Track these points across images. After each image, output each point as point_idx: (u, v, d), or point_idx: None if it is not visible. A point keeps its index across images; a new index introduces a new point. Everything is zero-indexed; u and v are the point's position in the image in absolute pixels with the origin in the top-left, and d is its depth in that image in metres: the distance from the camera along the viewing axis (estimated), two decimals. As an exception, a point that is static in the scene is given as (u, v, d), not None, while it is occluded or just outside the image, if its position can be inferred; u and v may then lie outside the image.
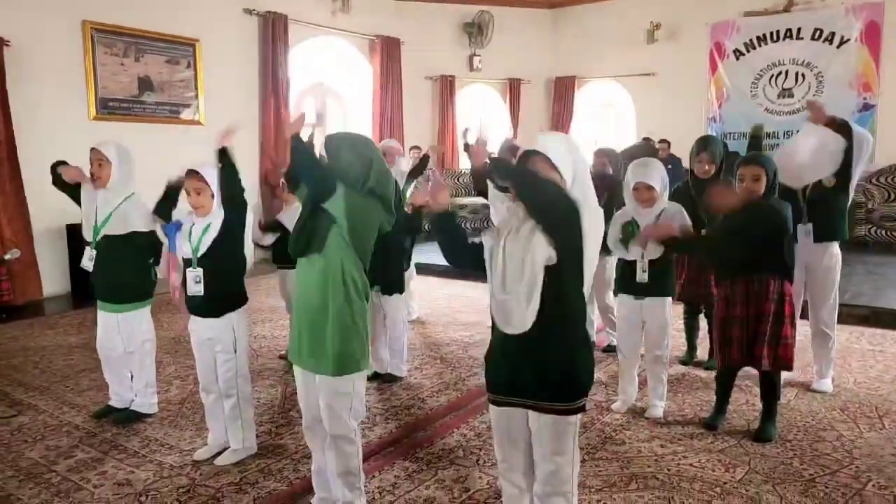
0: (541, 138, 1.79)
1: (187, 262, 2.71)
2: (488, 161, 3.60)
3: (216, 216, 2.69)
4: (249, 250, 2.91)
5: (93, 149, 3.11)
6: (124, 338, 3.18)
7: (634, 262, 3.11)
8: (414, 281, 5.12)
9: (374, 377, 3.76)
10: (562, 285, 1.71)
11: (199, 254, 2.67)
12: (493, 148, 4.84)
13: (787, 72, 8.94)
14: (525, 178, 1.75)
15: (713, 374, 3.38)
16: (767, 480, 2.56)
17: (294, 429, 3.10)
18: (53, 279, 6.14)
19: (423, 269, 6.21)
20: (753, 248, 2.83)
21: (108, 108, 6.46)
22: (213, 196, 2.67)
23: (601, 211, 1.80)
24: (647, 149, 8.81)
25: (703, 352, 4.06)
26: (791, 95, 8.94)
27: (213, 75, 7.23)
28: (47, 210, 5.81)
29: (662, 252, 3.04)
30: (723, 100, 9.19)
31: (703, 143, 3.79)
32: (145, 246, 3.18)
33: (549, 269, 1.69)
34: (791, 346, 2.89)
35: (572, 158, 1.74)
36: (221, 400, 2.82)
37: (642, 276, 3.07)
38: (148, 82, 6.77)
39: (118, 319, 3.16)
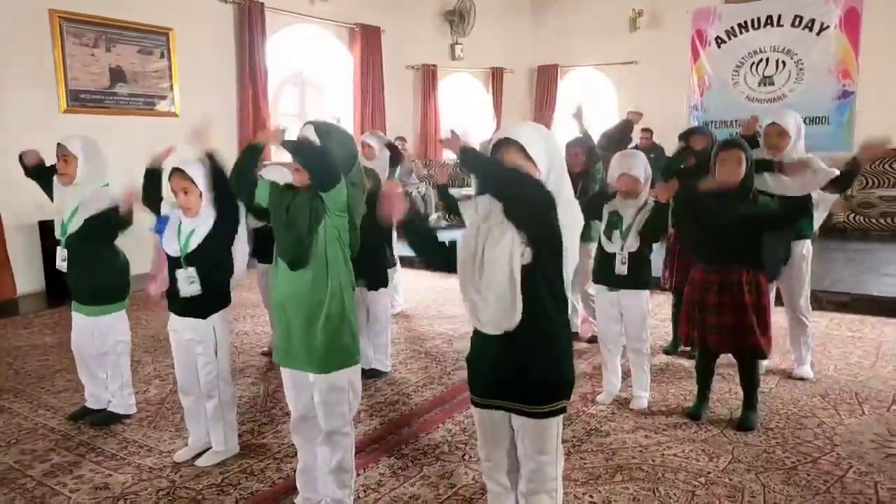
0: (514, 127, 1.69)
1: (175, 261, 2.62)
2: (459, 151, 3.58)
3: (206, 215, 2.60)
4: (243, 253, 2.83)
5: (58, 144, 3.02)
6: (97, 339, 3.11)
7: (614, 253, 3.09)
8: (398, 274, 5.07)
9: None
10: (540, 284, 1.65)
11: (188, 251, 2.58)
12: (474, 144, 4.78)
13: (767, 59, 8.97)
14: (495, 169, 1.67)
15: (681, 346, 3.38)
16: (750, 469, 2.57)
17: (277, 427, 3.06)
18: (27, 277, 6.01)
19: (408, 262, 6.15)
20: (742, 239, 2.83)
21: (80, 101, 6.31)
22: (201, 195, 2.57)
23: (576, 203, 1.72)
24: (624, 127, 8.84)
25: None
26: (772, 83, 8.98)
27: (189, 65, 7.08)
28: (19, 206, 5.68)
29: (641, 245, 3.04)
30: (705, 88, 9.21)
31: (686, 134, 3.79)
32: (99, 226, 3.00)
33: (526, 268, 1.63)
34: (768, 334, 2.90)
35: (547, 147, 1.66)
36: (201, 401, 2.76)
37: (621, 268, 3.06)
38: (120, 73, 6.61)
39: (91, 321, 3.09)
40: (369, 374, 3.71)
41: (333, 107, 9.11)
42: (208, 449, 2.78)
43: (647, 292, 3.15)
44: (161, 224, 2.67)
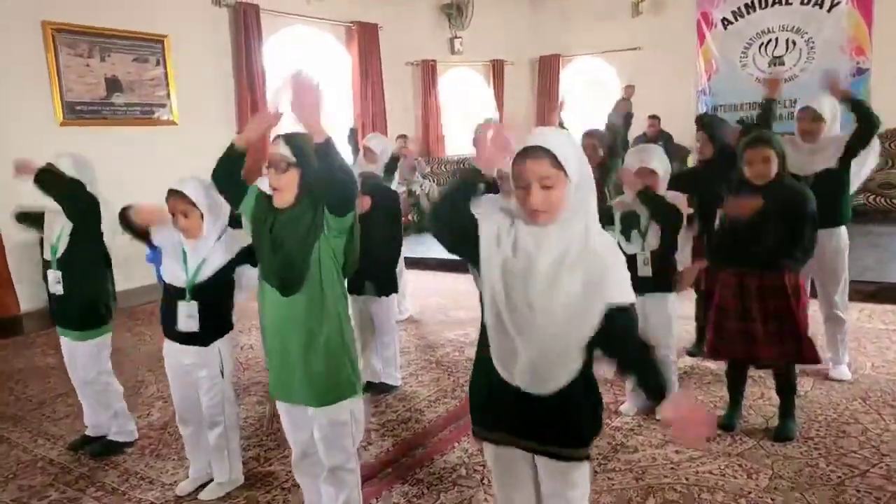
0: (542, 133, 1.50)
1: (178, 292, 2.42)
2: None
3: (210, 238, 2.41)
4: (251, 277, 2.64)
5: (48, 164, 2.86)
6: (80, 369, 2.97)
7: (634, 255, 2.90)
8: (404, 276, 4.91)
9: (367, 388, 3.56)
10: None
11: (196, 282, 2.39)
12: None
13: (776, 39, 8.72)
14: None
15: (725, 365, 3.20)
16: (794, 487, 2.39)
17: (284, 452, 2.90)
18: (30, 294, 5.87)
19: (414, 264, 6.00)
20: (776, 237, 2.63)
21: (76, 113, 6.16)
22: (202, 216, 2.38)
23: (597, 224, 1.53)
24: (624, 107, 8.63)
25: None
26: (782, 63, 8.72)
27: (185, 72, 6.92)
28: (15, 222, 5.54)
29: (663, 241, 2.85)
30: (712, 72, 8.97)
31: (700, 124, 3.59)
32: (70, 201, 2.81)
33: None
34: (802, 339, 2.72)
35: (577, 156, 1.48)
36: (202, 430, 2.61)
37: (644, 269, 2.86)
38: (116, 83, 6.46)
39: (75, 346, 2.95)
40: (379, 389, 3.55)
41: (333, 107, 8.94)
42: (211, 480, 2.63)
43: (673, 295, 2.96)
44: (156, 253, 2.50)
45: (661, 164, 2.82)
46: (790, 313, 2.65)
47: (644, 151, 2.88)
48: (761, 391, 3.21)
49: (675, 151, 8.36)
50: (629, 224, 2.90)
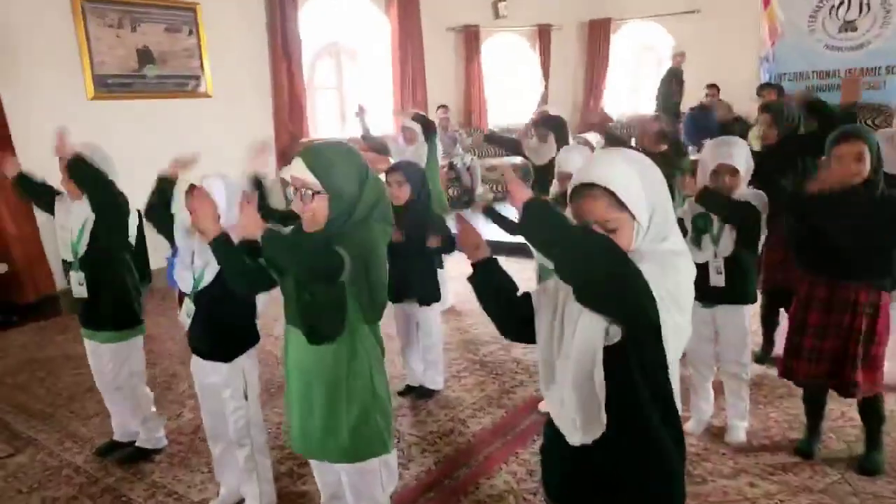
0: (597, 163, 1.21)
1: (187, 296, 2.25)
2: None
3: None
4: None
5: (60, 157, 2.65)
6: (109, 371, 2.81)
7: (705, 262, 2.56)
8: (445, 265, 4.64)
9: (407, 391, 3.35)
10: (635, 372, 1.22)
11: (199, 287, 2.20)
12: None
13: (849, 1, 8.03)
14: (558, 238, 1.18)
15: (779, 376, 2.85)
16: (891, 538, 2.09)
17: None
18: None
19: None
20: (865, 248, 2.28)
21: (107, 86, 5.98)
22: (219, 218, 2.16)
23: (685, 251, 1.25)
24: (674, 74, 8.10)
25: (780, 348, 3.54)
26: (854, 29, 8.05)
27: (218, 42, 6.67)
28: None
29: (737, 247, 2.51)
30: (777, 37, 8.29)
31: (764, 105, 3.21)
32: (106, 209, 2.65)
33: (613, 350, 1.20)
34: (881, 367, 2.39)
35: (644, 185, 1.18)
36: (232, 448, 2.42)
37: (717, 278, 2.52)
38: (148, 54, 6.25)
39: (104, 348, 2.78)
40: (419, 394, 3.33)
41: (371, 77, 8.61)
42: (242, 501, 2.46)
43: (748, 307, 2.64)
44: (171, 260, 2.29)
45: (745, 161, 2.46)
46: (849, 331, 2.33)
47: (726, 145, 2.51)
48: (841, 410, 2.88)
49: (734, 126, 7.85)
50: (700, 229, 2.56)
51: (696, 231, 2.58)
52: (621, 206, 1.16)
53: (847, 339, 2.35)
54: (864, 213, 2.24)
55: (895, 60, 7.83)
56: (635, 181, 1.18)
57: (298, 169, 1.61)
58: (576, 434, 1.27)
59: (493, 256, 1.48)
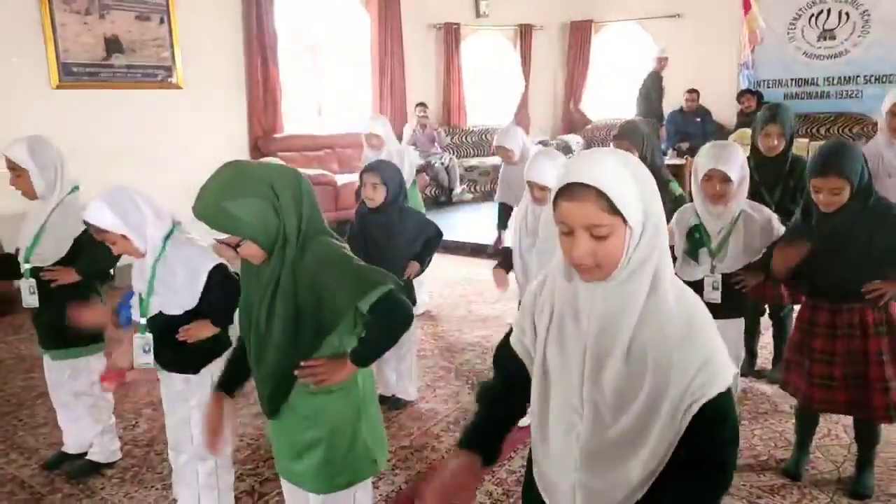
0: (587, 162, 1.05)
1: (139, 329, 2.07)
2: None
3: (154, 253, 1.99)
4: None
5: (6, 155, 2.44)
6: (69, 380, 2.61)
7: (700, 280, 2.44)
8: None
9: (379, 401, 3.19)
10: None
11: (151, 311, 2.02)
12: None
13: (829, 10, 8.07)
14: None
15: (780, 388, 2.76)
16: (884, 569, 2.00)
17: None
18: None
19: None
20: (853, 267, 2.18)
21: (73, 75, 5.72)
22: (124, 237, 1.96)
23: (673, 278, 1.12)
24: (650, 77, 8.04)
25: (764, 360, 3.47)
26: (833, 37, 8.09)
27: (191, 32, 6.43)
28: (11, 195, 5.17)
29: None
30: (756, 43, 8.29)
31: (772, 114, 3.02)
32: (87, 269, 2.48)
33: None
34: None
35: (642, 190, 1.05)
36: (194, 462, 2.25)
37: (713, 294, 2.39)
38: (116, 43, 6.00)
39: (63, 366, 2.59)
40: (392, 405, 3.18)
41: (349, 72, 8.43)
42: (199, 521, 2.29)
43: (741, 321, 2.53)
44: (125, 300, 2.12)
45: (739, 168, 2.33)
46: (864, 355, 2.22)
47: (720, 149, 2.36)
48: (828, 428, 2.80)
49: (713, 130, 7.81)
50: (696, 242, 2.44)
51: (691, 245, 2.46)
52: (613, 210, 1.02)
53: (865, 364, 2.21)
54: (857, 229, 2.14)
55: (873, 70, 7.87)
56: (629, 183, 1.04)
57: (206, 229, 1.42)
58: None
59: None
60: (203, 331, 2.01)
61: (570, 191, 1.04)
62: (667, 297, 1.07)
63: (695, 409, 1.05)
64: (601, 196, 1.02)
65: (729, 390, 1.08)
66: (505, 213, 3.98)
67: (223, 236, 1.43)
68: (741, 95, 7.58)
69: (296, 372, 1.52)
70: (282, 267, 1.46)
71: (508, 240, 3.23)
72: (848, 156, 2.13)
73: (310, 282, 1.46)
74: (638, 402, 1.06)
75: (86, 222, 1.94)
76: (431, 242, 3.12)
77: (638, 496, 1.10)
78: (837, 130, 7.92)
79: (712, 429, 1.07)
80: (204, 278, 1.97)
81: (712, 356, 1.07)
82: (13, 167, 2.39)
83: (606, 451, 1.09)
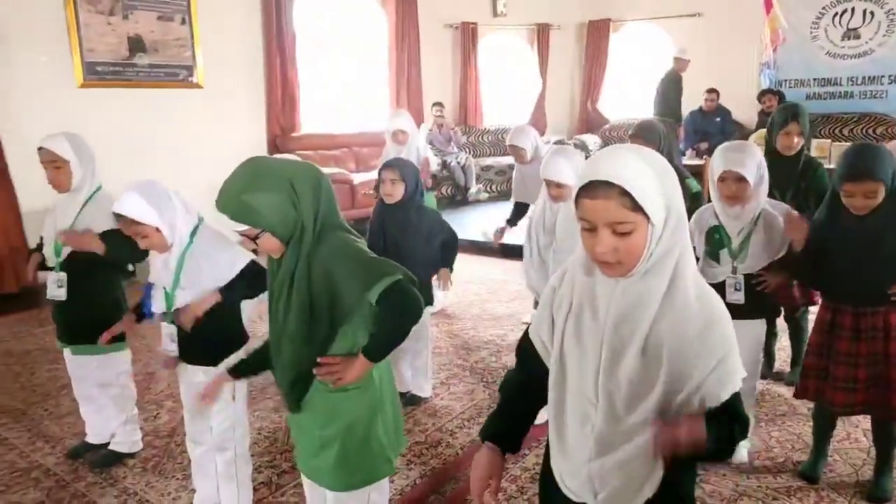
0: (609, 159, 1.07)
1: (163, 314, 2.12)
2: None
3: (181, 246, 2.04)
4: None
5: (41, 149, 2.50)
6: (95, 371, 2.68)
7: (723, 282, 2.41)
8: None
9: (394, 397, 3.23)
10: None
11: (176, 306, 2.06)
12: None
13: (853, 9, 7.96)
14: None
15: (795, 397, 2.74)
16: (902, 572, 1.99)
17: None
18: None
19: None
20: (883, 269, 2.16)
21: (97, 74, 5.83)
22: (158, 230, 1.99)
23: (696, 273, 1.15)
24: (670, 76, 7.96)
25: (782, 362, 3.45)
26: (857, 37, 7.98)
27: (211, 32, 6.52)
28: (35, 190, 5.26)
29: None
30: (778, 43, 8.20)
31: (793, 112, 3.00)
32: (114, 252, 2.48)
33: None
34: None
35: (663, 186, 1.06)
36: (212, 453, 2.30)
37: (735, 295, 2.35)
38: (139, 42, 6.10)
39: (86, 360, 2.64)
40: (407, 401, 3.20)
41: (367, 71, 8.47)
42: (218, 510, 2.34)
43: (763, 321, 2.49)
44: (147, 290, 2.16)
45: (756, 169, 2.30)
46: (886, 357, 2.21)
47: (736, 151, 2.33)
48: (846, 431, 2.79)
49: (732, 130, 7.75)
50: (717, 243, 2.43)
51: (711, 245, 2.45)
52: (636, 207, 1.04)
53: (886, 365, 2.20)
54: (888, 231, 2.12)
55: (896, 70, 7.77)
56: (651, 179, 1.05)
57: (228, 221, 1.46)
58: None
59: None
60: (206, 303, 2.01)
61: (593, 188, 1.06)
62: (687, 293, 1.08)
63: (706, 407, 1.07)
64: (624, 193, 1.03)
65: (738, 392, 1.11)
66: (518, 212, 3.96)
67: (244, 228, 1.47)
68: (762, 95, 7.51)
69: (314, 370, 1.54)
70: (297, 259, 1.49)
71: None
72: (879, 158, 2.10)
73: (323, 274, 1.49)
74: (653, 395, 1.08)
75: (119, 214, 1.96)
76: (449, 245, 3.13)
77: (653, 484, 1.12)
78: (861, 131, 7.82)
79: (723, 420, 1.09)
80: (234, 274, 2.02)
81: (727, 356, 1.09)
82: (53, 159, 2.45)
83: (620, 441, 1.11)
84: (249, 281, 2.03)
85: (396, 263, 1.55)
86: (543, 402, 1.25)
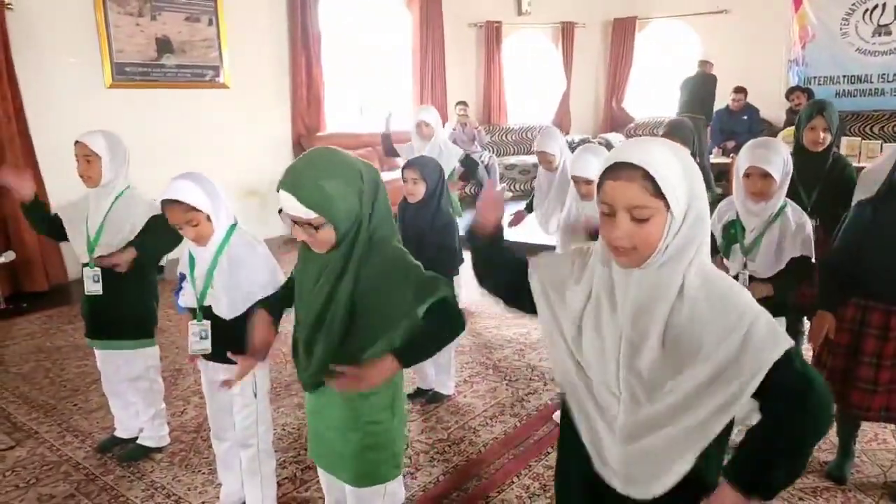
0: (636, 145, 1.08)
1: (190, 311, 2.15)
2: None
3: (218, 241, 2.06)
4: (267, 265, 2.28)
5: (77, 142, 2.56)
6: (125, 366, 2.73)
7: (736, 275, 2.41)
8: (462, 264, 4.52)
9: (417, 394, 3.25)
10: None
11: (206, 300, 2.09)
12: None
13: (884, 5, 7.78)
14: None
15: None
16: (934, 578, 1.94)
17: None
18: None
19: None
20: None
21: (126, 74, 5.94)
22: (209, 218, 2.01)
23: (711, 267, 1.15)
24: (703, 78, 7.85)
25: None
26: (888, 33, 7.80)
27: (238, 33, 6.61)
28: (65, 187, 5.36)
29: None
30: (807, 39, 8.07)
31: (819, 107, 2.95)
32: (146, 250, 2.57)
33: None
34: None
35: (687, 177, 1.06)
36: (236, 448, 2.33)
37: None
38: (167, 43, 6.20)
39: (116, 356, 2.70)
40: (430, 399, 3.22)
41: (391, 71, 8.50)
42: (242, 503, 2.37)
43: (782, 320, 2.43)
44: (179, 280, 2.18)
45: (782, 166, 2.27)
46: None
47: (762, 147, 2.30)
48: (874, 431, 2.73)
49: (760, 128, 7.63)
50: (731, 237, 2.41)
51: (725, 240, 2.43)
52: (657, 193, 1.04)
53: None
54: None
55: (930, 67, 7.58)
56: (676, 169, 1.06)
57: (293, 206, 1.41)
58: (628, 486, 1.18)
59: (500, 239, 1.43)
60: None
61: (617, 170, 1.07)
62: (693, 282, 1.09)
63: (759, 378, 1.05)
64: (647, 177, 1.04)
65: (789, 353, 1.06)
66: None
67: (302, 215, 1.41)
68: (791, 92, 7.38)
69: (335, 383, 1.48)
70: (349, 258, 1.47)
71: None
72: None
73: (375, 282, 1.47)
74: (682, 381, 1.08)
75: (171, 200, 1.95)
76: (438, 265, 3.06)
77: (678, 472, 1.13)
78: (892, 129, 7.64)
79: (790, 397, 1.09)
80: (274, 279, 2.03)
81: (755, 323, 1.07)
82: (87, 154, 2.51)
83: (645, 431, 1.13)
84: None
85: (445, 279, 1.55)
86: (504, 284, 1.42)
